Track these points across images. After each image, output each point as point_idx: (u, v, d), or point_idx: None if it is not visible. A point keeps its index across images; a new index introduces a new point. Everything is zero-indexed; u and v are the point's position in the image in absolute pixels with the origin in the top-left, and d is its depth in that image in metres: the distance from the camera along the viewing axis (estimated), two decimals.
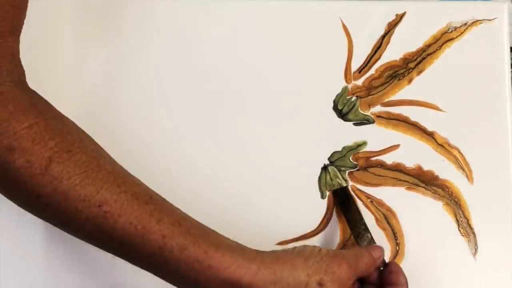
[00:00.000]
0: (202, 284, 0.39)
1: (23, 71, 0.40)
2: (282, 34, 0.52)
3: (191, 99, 0.51)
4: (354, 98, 0.52)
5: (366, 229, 0.48)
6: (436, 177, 0.51)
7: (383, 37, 0.52)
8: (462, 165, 0.51)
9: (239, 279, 0.39)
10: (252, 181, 0.51)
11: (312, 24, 0.52)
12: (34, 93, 0.40)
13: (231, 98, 0.51)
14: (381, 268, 0.46)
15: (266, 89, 0.52)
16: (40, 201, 0.38)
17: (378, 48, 0.52)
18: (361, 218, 0.48)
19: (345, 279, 0.42)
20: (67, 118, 0.41)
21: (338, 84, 0.52)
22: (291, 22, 0.52)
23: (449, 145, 0.51)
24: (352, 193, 0.50)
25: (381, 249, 0.47)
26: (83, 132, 0.41)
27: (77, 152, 0.39)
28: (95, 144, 0.42)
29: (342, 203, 0.50)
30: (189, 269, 0.39)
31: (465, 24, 0.52)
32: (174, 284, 0.41)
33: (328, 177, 0.51)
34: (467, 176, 0.51)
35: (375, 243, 0.47)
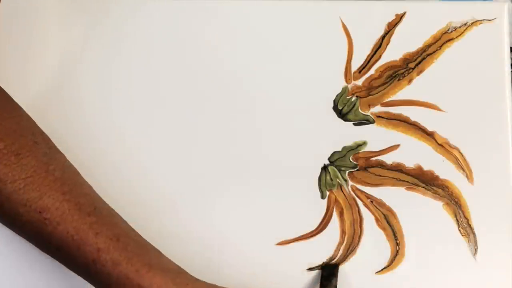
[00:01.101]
0: None
1: None
2: (282, 34, 0.52)
3: (190, 99, 0.52)
4: (354, 98, 0.52)
5: None
6: (436, 177, 0.51)
7: (383, 37, 0.52)
8: (462, 165, 0.51)
9: None
10: (251, 181, 0.51)
11: (312, 24, 0.52)
12: None
13: (231, 98, 0.51)
14: None
15: (266, 89, 0.52)
16: None
17: (378, 48, 0.52)
18: None
19: None
20: (27, 119, 0.41)
21: (338, 84, 0.52)
22: (291, 22, 0.52)
23: (449, 145, 0.51)
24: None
25: None
26: (40, 134, 0.41)
27: (26, 155, 0.39)
28: (51, 147, 0.42)
29: (326, 278, 0.49)
30: (119, 284, 0.39)
31: (465, 24, 0.52)
32: None
33: (328, 177, 0.51)
34: (467, 176, 0.51)
35: None
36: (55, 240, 0.39)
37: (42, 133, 0.42)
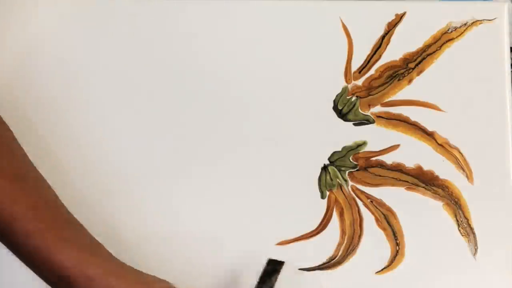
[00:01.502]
0: None
1: None
2: (282, 34, 0.52)
3: (191, 100, 0.52)
4: (354, 98, 0.52)
5: None
6: (436, 177, 0.51)
7: (383, 37, 0.52)
8: (462, 165, 0.51)
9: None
10: (252, 181, 0.51)
11: (312, 24, 0.52)
12: None
13: (231, 98, 0.51)
14: None
15: (266, 89, 0.52)
16: None
17: (378, 48, 0.52)
18: None
19: None
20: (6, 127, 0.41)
21: (338, 84, 0.52)
22: (291, 22, 0.52)
23: (449, 145, 0.51)
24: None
25: None
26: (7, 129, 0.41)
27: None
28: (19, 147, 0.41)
29: (268, 273, 0.47)
30: (31, 258, 0.38)
31: (465, 24, 0.52)
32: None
33: (328, 177, 0.51)
34: (467, 176, 0.51)
35: None
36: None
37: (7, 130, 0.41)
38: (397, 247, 0.50)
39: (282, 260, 0.48)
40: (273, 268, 0.47)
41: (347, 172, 0.51)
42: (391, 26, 0.52)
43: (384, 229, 0.50)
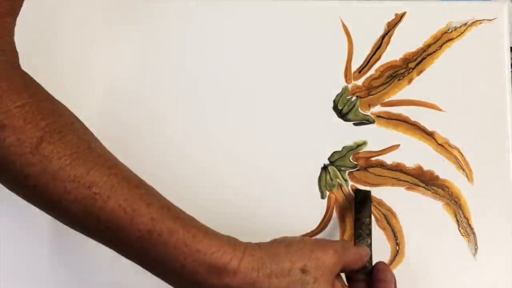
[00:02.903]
0: (188, 268, 0.39)
1: (17, 54, 0.40)
2: (282, 34, 0.52)
3: (191, 100, 0.52)
4: (354, 98, 0.52)
5: (369, 234, 0.47)
6: (436, 177, 0.51)
7: (383, 37, 0.52)
8: (462, 165, 0.51)
9: (225, 265, 0.39)
10: (252, 181, 0.51)
11: (312, 24, 0.52)
12: (26, 74, 0.40)
13: (231, 98, 0.51)
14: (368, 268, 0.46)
15: (266, 89, 0.52)
16: (27, 181, 0.38)
17: (378, 48, 0.52)
18: (369, 223, 0.48)
19: (330, 265, 0.41)
20: (59, 102, 0.41)
21: (338, 84, 0.52)
22: (291, 22, 0.52)
23: (449, 145, 0.51)
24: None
25: (368, 251, 0.46)
26: (74, 116, 0.41)
27: (68, 133, 0.38)
28: (86, 128, 0.41)
29: (359, 203, 0.49)
30: (177, 253, 0.39)
31: (465, 24, 0.52)
32: (157, 271, 0.40)
33: (328, 177, 0.51)
34: (467, 176, 0.51)
35: (371, 250, 0.47)
36: (106, 216, 0.38)
37: (75, 115, 0.41)
38: (397, 247, 0.50)
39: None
40: (363, 196, 0.49)
41: (347, 172, 0.51)
42: (391, 26, 0.52)
43: (384, 229, 0.50)
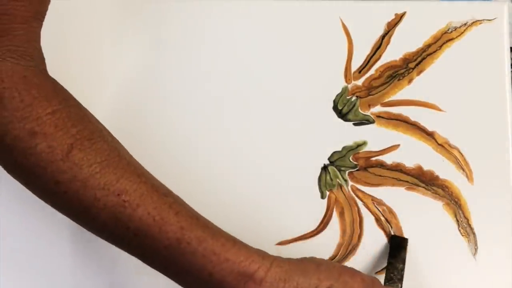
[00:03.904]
0: (216, 277, 0.39)
1: (44, 59, 0.40)
2: (282, 34, 0.52)
3: (191, 100, 0.52)
4: (354, 98, 0.52)
5: (401, 280, 0.47)
6: (436, 177, 0.51)
7: (383, 37, 0.52)
8: (462, 165, 0.51)
9: (253, 273, 0.39)
10: (252, 181, 0.51)
11: (312, 24, 0.52)
12: (55, 80, 0.40)
13: (231, 98, 0.51)
14: None
15: (266, 89, 0.52)
16: (58, 187, 0.38)
17: (378, 48, 0.52)
18: (402, 269, 0.48)
19: None
20: (86, 108, 0.41)
21: (338, 84, 0.52)
22: (291, 22, 0.52)
23: (449, 145, 0.51)
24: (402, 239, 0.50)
25: None
26: (100, 123, 0.41)
27: (98, 140, 0.39)
28: (112, 135, 0.41)
29: (395, 249, 0.49)
30: (205, 262, 0.39)
31: (465, 24, 0.52)
32: (184, 281, 0.40)
33: (328, 177, 0.51)
34: (467, 176, 0.51)
35: None
36: (135, 224, 0.38)
37: (101, 122, 0.41)
38: None
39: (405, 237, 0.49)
40: (397, 243, 0.49)
41: (347, 172, 0.51)
42: (391, 26, 0.52)
43: (384, 229, 0.50)
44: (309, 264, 0.41)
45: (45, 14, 0.40)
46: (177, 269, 0.39)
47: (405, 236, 0.50)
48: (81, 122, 0.39)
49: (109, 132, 0.41)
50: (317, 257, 0.43)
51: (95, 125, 0.40)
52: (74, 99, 0.40)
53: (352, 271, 0.42)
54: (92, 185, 0.38)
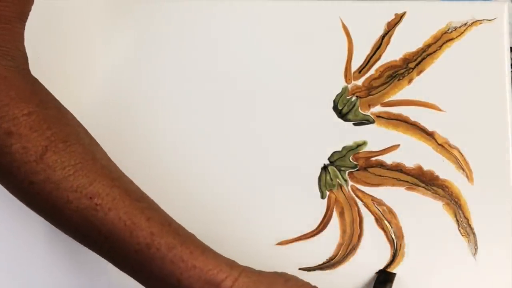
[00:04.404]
0: (184, 284, 0.39)
1: (27, 59, 0.40)
2: (282, 34, 0.52)
3: (190, 100, 0.52)
4: (354, 98, 0.52)
5: None
6: (436, 177, 0.51)
7: (383, 37, 0.52)
8: (462, 165, 0.51)
9: (220, 282, 0.39)
10: (252, 181, 0.51)
11: (312, 24, 0.52)
12: (36, 81, 0.40)
13: (231, 98, 0.51)
14: None
15: (266, 89, 0.52)
16: (32, 188, 0.38)
17: (378, 48, 0.52)
18: None
19: None
20: (67, 110, 0.41)
21: (338, 84, 0.52)
22: (291, 22, 0.52)
23: (449, 145, 0.51)
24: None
25: None
26: (80, 125, 0.41)
27: (73, 143, 0.39)
28: (92, 138, 0.42)
29: (381, 284, 0.49)
30: (173, 268, 0.39)
31: (465, 24, 0.52)
32: (152, 285, 0.40)
33: (328, 177, 0.51)
34: (467, 176, 0.51)
35: None
36: (106, 227, 0.38)
37: (81, 125, 0.42)
38: (397, 247, 0.50)
39: (393, 272, 0.50)
40: (385, 277, 0.49)
41: (347, 172, 0.51)
42: (391, 26, 0.52)
43: (384, 229, 0.50)
44: (278, 278, 0.42)
45: (28, 15, 0.40)
46: (147, 274, 0.40)
47: (405, 235, 0.50)
48: (56, 125, 0.39)
49: (88, 135, 0.41)
50: (289, 273, 0.43)
51: (72, 128, 0.40)
52: (54, 101, 0.40)
53: None
54: (65, 187, 0.38)
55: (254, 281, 0.40)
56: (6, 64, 0.38)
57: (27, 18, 0.40)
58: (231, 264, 0.41)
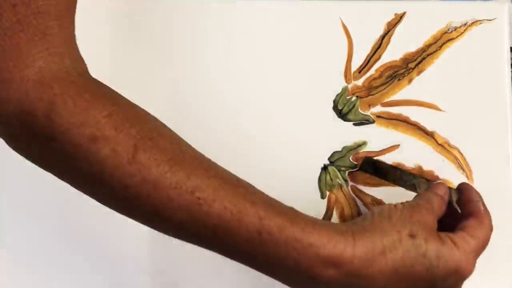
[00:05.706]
0: (303, 264, 0.37)
1: (83, 58, 0.38)
2: (282, 34, 0.52)
3: (190, 99, 0.52)
4: (354, 98, 0.52)
5: (415, 176, 0.47)
6: (436, 177, 0.51)
7: (383, 37, 0.52)
8: (462, 165, 0.51)
9: (341, 255, 0.37)
10: (251, 181, 0.51)
11: (312, 24, 0.52)
12: (98, 80, 0.38)
13: (231, 98, 0.51)
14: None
15: (266, 89, 0.52)
16: (127, 192, 0.36)
17: (378, 48, 0.52)
18: (402, 172, 0.47)
19: (429, 223, 0.40)
20: (136, 104, 0.39)
21: (338, 84, 0.52)
22: (291, 22, 0.52)
23: (449, 145, 0.51)
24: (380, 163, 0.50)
25: (442, 184, 0.45)
26: (155, 118, 0.39)
27: (159, 139, 0.37)
28: (170, 129, 0.39)
29: (376, 172, 0.49)
30: (288, 250, 0.37)
31: (465, 24, 0.52)
32: (272, 272, 0.38)
33: (328, 177, 0.51)
34: (467, 176, 0.51)
35: (428, 182, 0.46)
36: (212, 220, 0.36)
37: (155, 117, 0.39)
38: None
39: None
40: (369, 165, 0.49)
41: (347, 172, 0.51)
42: (391, 26, 0.52)
43: None
44: (383, 221, 0.39)
45: (75, 11, 0.38)
46: (261, 261, 0.37)
47: None
48: (138, 122, 0.36)
49: (166, 127, 0.39)
50: (380, 206, 0.42)
51: (152, 122, 0.38)
52: (123, 98, 0.38)
53: (416, 208, 0.41)
54: (163, 185, 0.35)
55: (368, 237, 0.38)
56: (71, 66, 0.36)
57: (74, 14, 0.37)
58: (341, 231, 0.38)
